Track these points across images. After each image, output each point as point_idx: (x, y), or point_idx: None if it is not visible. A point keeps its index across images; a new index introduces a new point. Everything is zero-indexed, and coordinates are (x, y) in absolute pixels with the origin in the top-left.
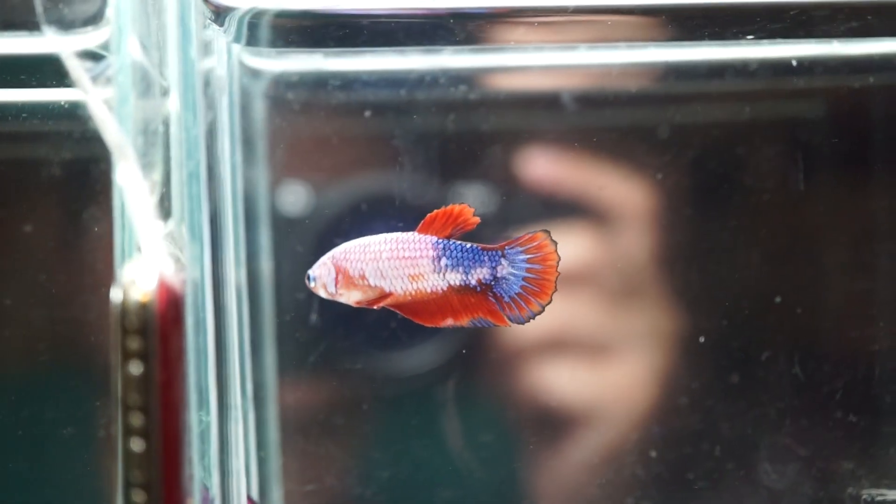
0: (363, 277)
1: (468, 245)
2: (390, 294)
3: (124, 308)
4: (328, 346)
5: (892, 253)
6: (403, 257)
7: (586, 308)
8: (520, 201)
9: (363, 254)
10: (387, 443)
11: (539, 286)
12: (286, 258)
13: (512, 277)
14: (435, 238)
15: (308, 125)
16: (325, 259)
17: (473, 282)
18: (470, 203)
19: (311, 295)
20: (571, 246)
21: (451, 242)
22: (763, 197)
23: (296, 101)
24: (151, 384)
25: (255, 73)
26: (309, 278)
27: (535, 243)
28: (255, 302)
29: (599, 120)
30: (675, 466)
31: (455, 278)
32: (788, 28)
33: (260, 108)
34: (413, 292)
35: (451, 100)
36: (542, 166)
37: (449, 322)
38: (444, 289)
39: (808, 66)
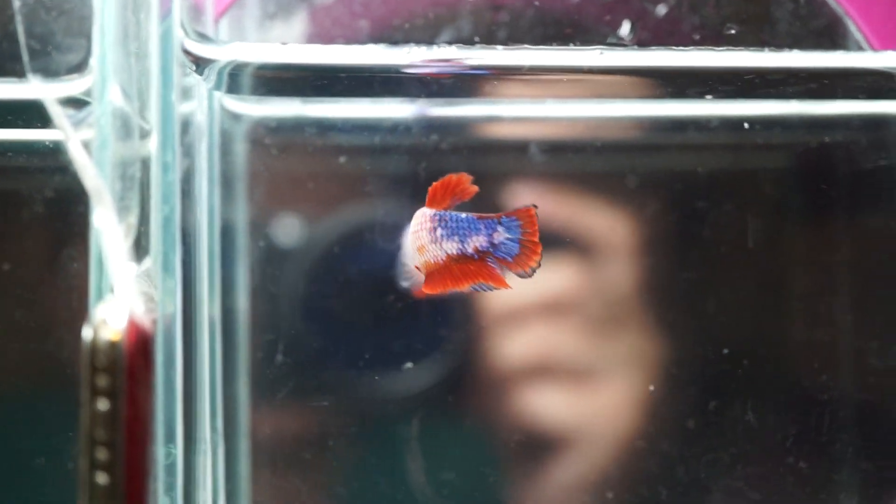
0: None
1: (464, 215)
2: (417, 267)
3: (94, 346)
4: (297, 383)
5: (845, 305)
6: (412, 232)
7: (570, 335)
8: None
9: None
10: (352, 478)
11: (531, 247)
12: (262, 296)
13: (509, 242)
14: (433, 211)
15: (286, 168)
16: None
17: (470, 250)
18: None
19: (281, 334)
20: (557, 276)
21: (446, 213)
22: (721, 249)
23: (274, 145)
24: (117, 421)
25: (235, 117)
26: None
27: (526, 214)
28: (230, 338)
29: (566, 168)
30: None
31: (451, 247)
32: (741, 90)
33: (240, 151)
34: (422, 264)
35: (422, 148)
36: (530, 200)
37: (450, 288)
38: (444, 259)
39: (768, 124)
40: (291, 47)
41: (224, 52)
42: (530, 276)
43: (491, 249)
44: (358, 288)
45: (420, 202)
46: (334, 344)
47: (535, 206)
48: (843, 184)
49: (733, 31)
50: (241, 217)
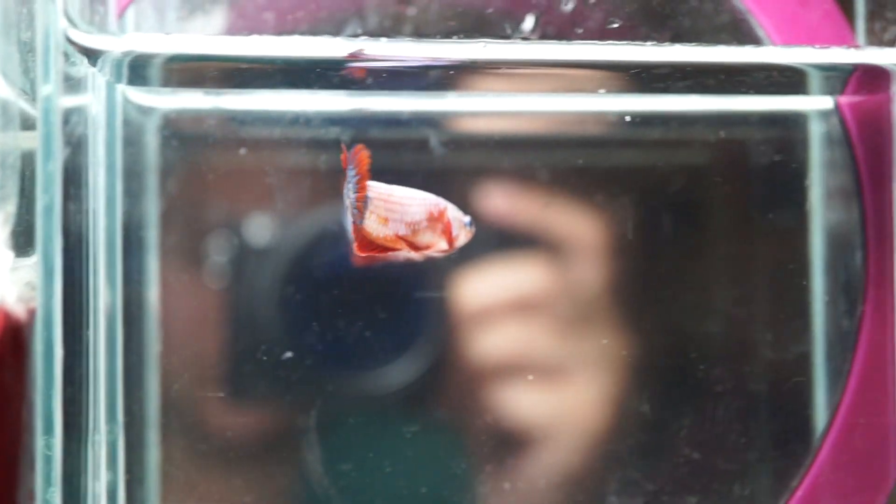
0: None
1: (346, 184)
2: None
3: None
4: (202, 372)
5: (738, 298)
6: None
7: (541, 334)
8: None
9: None
10: (250, 468)
11: (359, 184)
12: (174, 288)
13: (354, 194)
14: None
15: (199, 161)
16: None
17: (356, 211)
18: None
19: (190, 324)
20: (528, 275)
21: None
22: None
23: (186, 137)
24: None
25: (144, 110)
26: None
27: (356, 156)
28: (139, 331)
29: (467, 163)
30: (528, 497)
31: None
32: (632, 85)
33: (151, 143)
34: None
35: (323, 140)
36: (500, 199)
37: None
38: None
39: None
40: (187, 38)
41: (115, 43)
42: (362, 221)
43: (356, 205)
44: (277, 279)
45: (319, 195)
46: (279, 339)
47: (360, 144)
48: (740, 179)
49: (616, 26)
50: (153, 209)
